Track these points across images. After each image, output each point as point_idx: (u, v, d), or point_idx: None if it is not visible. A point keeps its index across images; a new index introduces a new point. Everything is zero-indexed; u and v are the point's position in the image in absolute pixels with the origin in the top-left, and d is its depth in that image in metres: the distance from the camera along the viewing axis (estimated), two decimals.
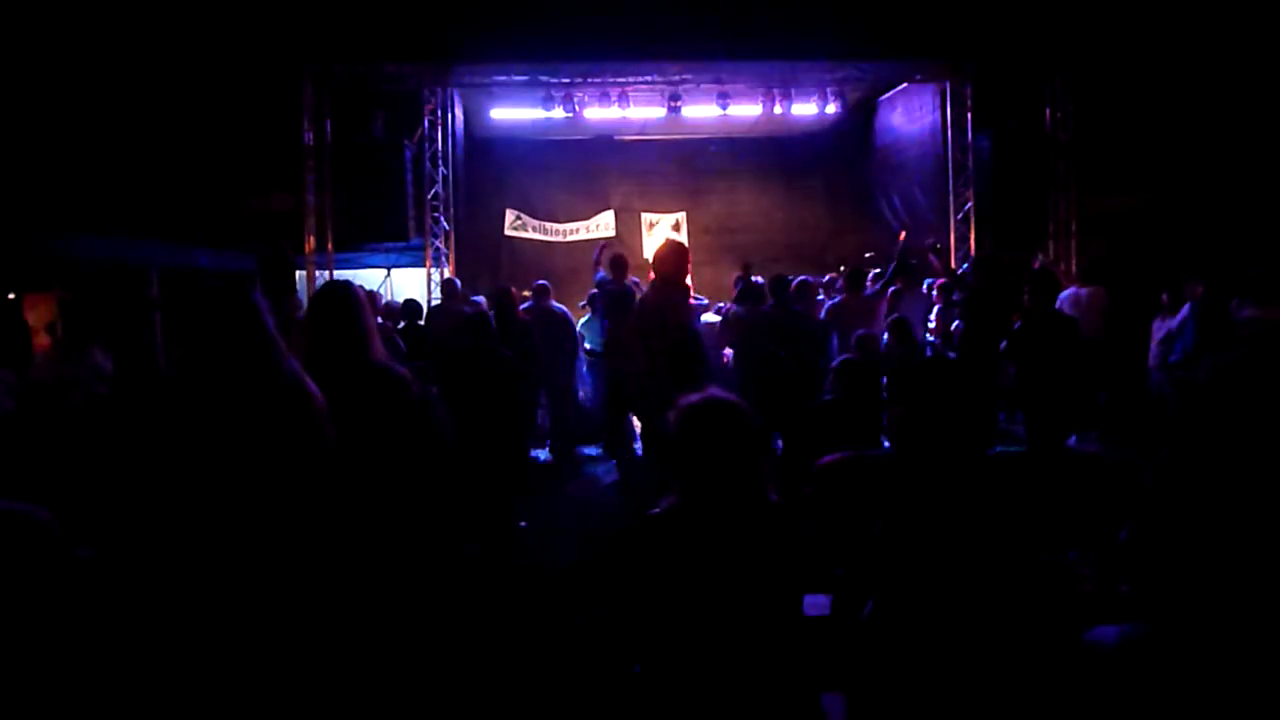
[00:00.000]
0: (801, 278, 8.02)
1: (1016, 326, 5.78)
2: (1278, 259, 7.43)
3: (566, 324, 8.47)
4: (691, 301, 6.54)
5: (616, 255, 8.57)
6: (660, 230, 13.74)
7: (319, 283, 10.94)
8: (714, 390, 2.31)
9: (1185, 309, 7.64)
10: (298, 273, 10.73)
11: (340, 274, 11.15)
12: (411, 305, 8.69)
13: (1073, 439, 6.98)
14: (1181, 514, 2.35)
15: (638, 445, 7.82)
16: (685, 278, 5.55)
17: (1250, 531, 2.33)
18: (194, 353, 2.91)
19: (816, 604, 2.56)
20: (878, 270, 8.95)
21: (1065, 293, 8.18)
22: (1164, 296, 8.16)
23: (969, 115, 11.64)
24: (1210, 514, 2.37)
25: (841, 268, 11.85)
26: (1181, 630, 2.26)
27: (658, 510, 2.29)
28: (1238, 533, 2.36)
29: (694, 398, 2.30)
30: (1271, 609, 2.26)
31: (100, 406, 5.75)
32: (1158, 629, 2.25)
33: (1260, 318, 5.55)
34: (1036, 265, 9.23)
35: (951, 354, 7.56)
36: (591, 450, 8.75)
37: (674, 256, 5.41)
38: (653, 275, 5.48)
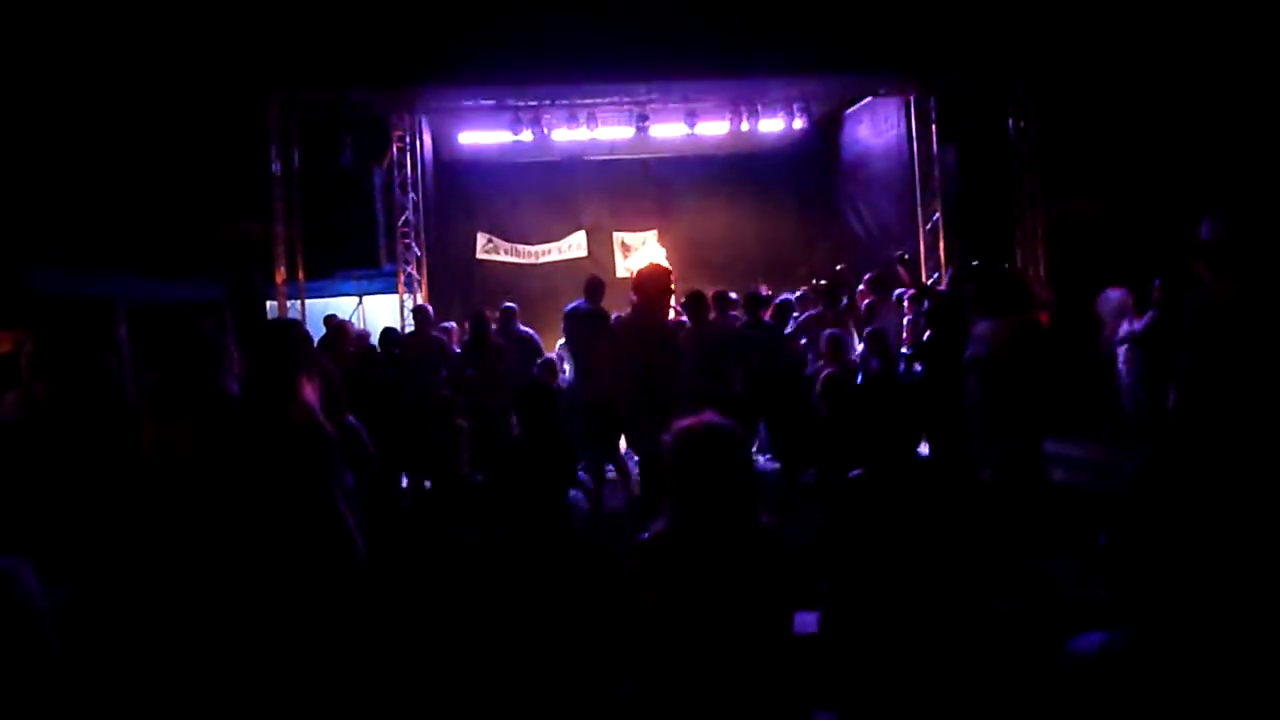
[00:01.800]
0: (784, 297, 8.08)
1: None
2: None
3: (533, 346, 8.46)
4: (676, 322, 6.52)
5: (592, 278, 8.57)
6: (641, 252, 13.75)
7: (290, 312, 10.85)
8: (708, 415, 2.32)
9: (1150, 314, 7.76)
10: (269, 302, 10.66)
11: (312, 302, 11.08)
12: (389, 334, 8.64)
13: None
14: (1159, 518, 2.37)
15: (609, 468, 7.83)
16: (668, 301, 5.45)
17: (1231, 535, 2.35)
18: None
19: (805, 622, 2.56)
20: (871, 275, 9.07)
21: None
22: (1129, 298, 8.31)
23: (934, 127, 11.79)
24: (1189, 517, 2.38)
25: (814, 280, 11.95)
26: (1162, 637, 2.26)
27: (648, 535, 2.28)
28: (1217, 537, 2.37)
29: (687, 422, 2.30)
30: (1253, 614, 2.27)
31: (68, 441, 5.64)
32: (1138, 636, 2.25)
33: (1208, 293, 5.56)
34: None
35: (919, 366, 7.61)
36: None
37: (655, 280, 5.31)
38: (634, 298, 5.40)
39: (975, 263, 10.14)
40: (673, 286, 5.62)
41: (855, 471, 2.58)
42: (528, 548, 4.37)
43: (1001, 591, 2.55)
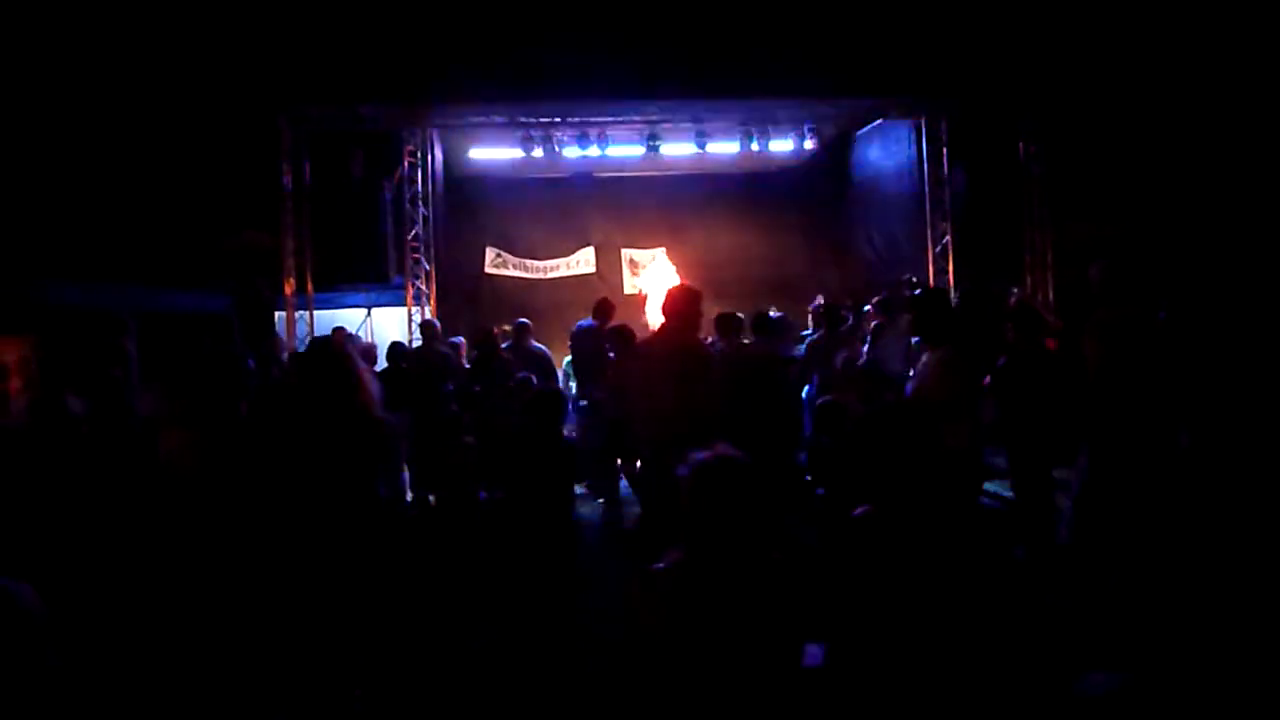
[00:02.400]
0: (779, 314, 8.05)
1: (1001, 363, 5.79)
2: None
3: (546, 363, 8.44)
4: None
5: (601, 299, 8.58)
6: (650, 269, 13.77)
7: (299, 323, 10.88)
8: (724, 447, 2.31)
9: None
10: (277, 313, 10.70)
11: (320, 314, 11.10)
12: (396, 348, 8.63)
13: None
14: (1166, 562, 2.35)
15: (623, 484, 7.80)
16: (698, 322, 5.27)
17: (1236, 575, 2.33)
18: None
19: (811, 654, 2.53)
20: (879, 298, 9.01)
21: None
22: None
23: (944, 150, 11.80)
24: (1195, 562, 2.36)
25: (816, 302, 11.93)
26: (1170, 680, 2.24)
27: (662, 565, 2.27)
28: (1221, 579, 2.35)
29: (704, 455, 2.30)
30: (1257, 650, 2.25)
31: (73, 451, 5.66)
32: (1146, 678, 2.23)
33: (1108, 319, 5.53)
34: (1013, 300, 9.29)
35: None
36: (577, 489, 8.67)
37: (686, 300, 5.14)
38: (664, 319, 5.26)
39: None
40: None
41: (860, 509, 2.56)
42: (529, 548, 4.41)
43: (1010, 629, 2.52)
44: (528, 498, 4.50)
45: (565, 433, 8.99)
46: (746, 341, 7.55)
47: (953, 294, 11.62)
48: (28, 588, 1.91)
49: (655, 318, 10.80)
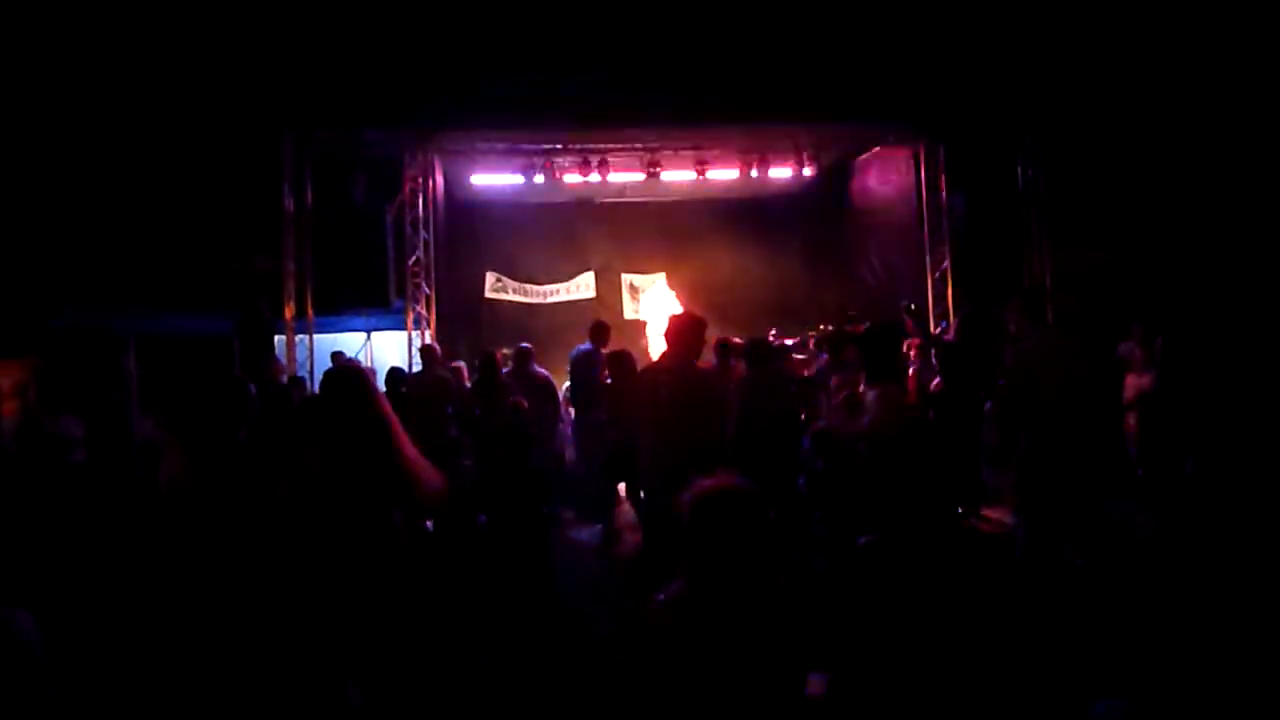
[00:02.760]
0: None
1: (1000, 384, 5.79)
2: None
3: (548, 388, 8.43)
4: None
5: (597, 322, 8.60)
6: (650, 294, 13.81)
7: (299, 346, 10.88)
8: (726, 475, 2.28)
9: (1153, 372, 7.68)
10: (277, 336, 10.70)
11: (320, 338, 11.10)
12: (396, 373, 8.63)
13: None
14: (1177, 591, 2.33)
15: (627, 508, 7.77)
16: (701, 350, 5.26)
17: (1241, 607, 2.31)
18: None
19: (812, 683, 2.51)
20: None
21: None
22: (1138, 352, 8.23)
23: (943, 175, 11.86)
24: (1206, 590, 2.35)
25: (820, 327, 11.95)
26: (1176, 707, 2.23)
27: (664, 595, 2.25)
28: (1228, 608, 2.33)
29: (707, 483, 2.27)
30: (1267, 681, 2.24)
31: (72, 475, 5.64)
32: (1152, 705, 2.22)
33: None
34: (1013, 327, 9.29)
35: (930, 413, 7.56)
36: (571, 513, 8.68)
37: (689, 327, 5.13)
38: (667, 345, 5.24)
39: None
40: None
41: (865, 538, 2.55)
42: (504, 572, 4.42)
43: (1016, 655, 2.50)
44: (502, 523, 4.54)
45: (566, 455, 9.06)
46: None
47: (952, 318, 11.64)
48: (25, 614, 1.89)
49: (656, 344, 10.83)
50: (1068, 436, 4.80)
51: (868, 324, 7.88)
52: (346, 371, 4.23)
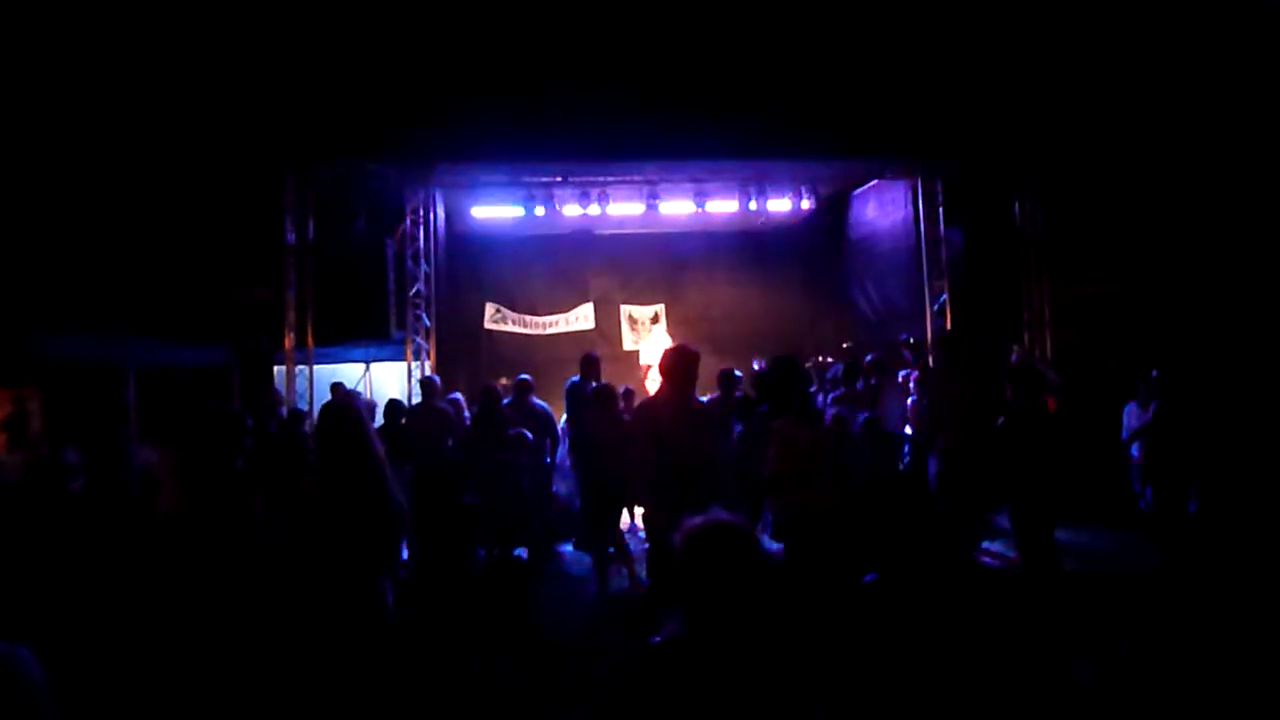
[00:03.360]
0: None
1: (1000, 422, 5.79)
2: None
3: (547, 420, 8.42)
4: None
5: (586, 355, 8.61)
6: (648, 325, 13.83)
7: (299, 378, 10.88)
8: (717, 512, 2.26)
9: (1153, 406, 7.70)
10: (277, 367, 10.70)
11: (320, 369, 11.11)
12: (395, 406, 8.62)
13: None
14: (1182, 631, 2.32)
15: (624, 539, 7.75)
16: (694, 384, 5.23)
17: (1249, 648, 2.30)
18: None
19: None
20: (874, 358, 9.05)
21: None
22: (1140, 385, 8.27)
23: (940, 209, 11.94)
24: (1210, 629, 2.34)
25: (819, 358, 11.96)
26: None
27: (662, 638, 2.23)
28: (1237, 648, 2.33)
29: (697, 521, 2.25)
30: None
31: (71, 504, 5.63)
32: None
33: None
34: (1015, 358, 9.32)
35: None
36: (567, 548, 8.65)
37: (684, 362, 5.11)
38: (662, 380, 5.24)
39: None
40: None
41: (870, 576, 2.54)
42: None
43: (1022, 694, 2.49)
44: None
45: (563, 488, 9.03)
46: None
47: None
48: (25, 650, 1.88)
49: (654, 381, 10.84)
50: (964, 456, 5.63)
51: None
52: (340, 403, 4.31)
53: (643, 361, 13.23)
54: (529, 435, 7.72)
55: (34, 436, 7.29)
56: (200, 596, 3.50)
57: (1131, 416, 8.39)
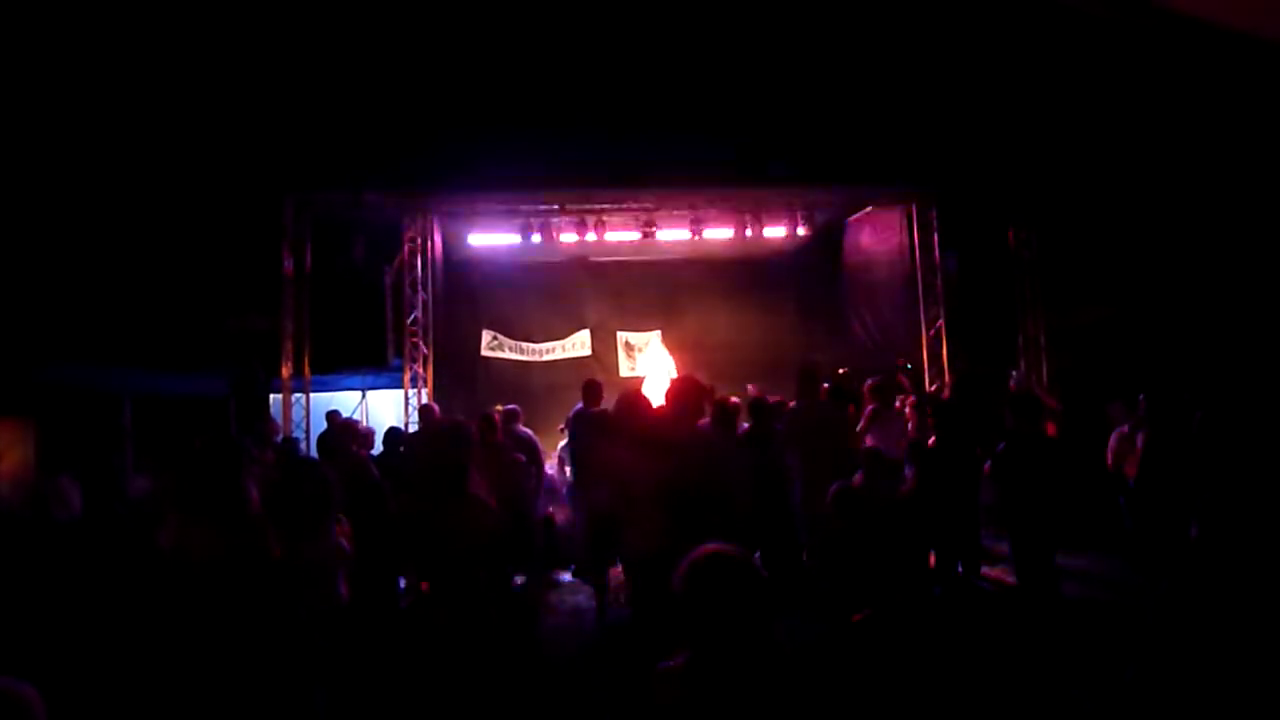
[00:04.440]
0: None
1: (1001, 448, 5.80)
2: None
3: (533, 448, 8.43)
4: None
5: (589, 381, 8.61)
6: (646, 352, 13.84)
7: (295, 405, 10.87)
8: (717, 544, 2.26)
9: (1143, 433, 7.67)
10: (273, 395, 10.69)
11: (316, 397, 11.10)
12: (394, 433, 8.62)
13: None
14: (1187, 655, 2.32)
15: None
16: (701, 413, 5.20)
17: (1252, 673, 2.30)
18: None
19: None
20: (873, 383, 9.02)
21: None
22: (1137, 409, 8.26)
23: (935, 235, 12.01)
24: (1215, 655, 2.34)
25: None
26: None
27: (666, 665, 2.22)
28: (1243, 673, 2.32)
29: (699, 553, 2.25)
30: None
31: (65, 535, 5.60)
32: None
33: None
34: (1013, 385, 9.34)
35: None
36: (565, 576, 8.60)
37: (693, 392, 5.04)
38: (667, 407, 5.19)
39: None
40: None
41: (860, 614, 2.53)
42: None
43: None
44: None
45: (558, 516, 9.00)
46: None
47: (947, 377, 11.71)
48: (29, 688, 1.87)
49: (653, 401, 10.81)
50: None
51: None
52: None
53: (639, 373, 13.25)
54: (521, 459, 7.74)
55: (14, 468, 7.25)
56: (206, 629, 3.47)
57: (1121, 442, 8.37)
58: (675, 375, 8.81)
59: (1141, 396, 7.81)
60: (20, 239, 9.69)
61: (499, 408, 9.82)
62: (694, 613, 2.17)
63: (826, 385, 8.37)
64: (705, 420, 6.90)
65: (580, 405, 8.51)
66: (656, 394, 10.37)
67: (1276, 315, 9.80)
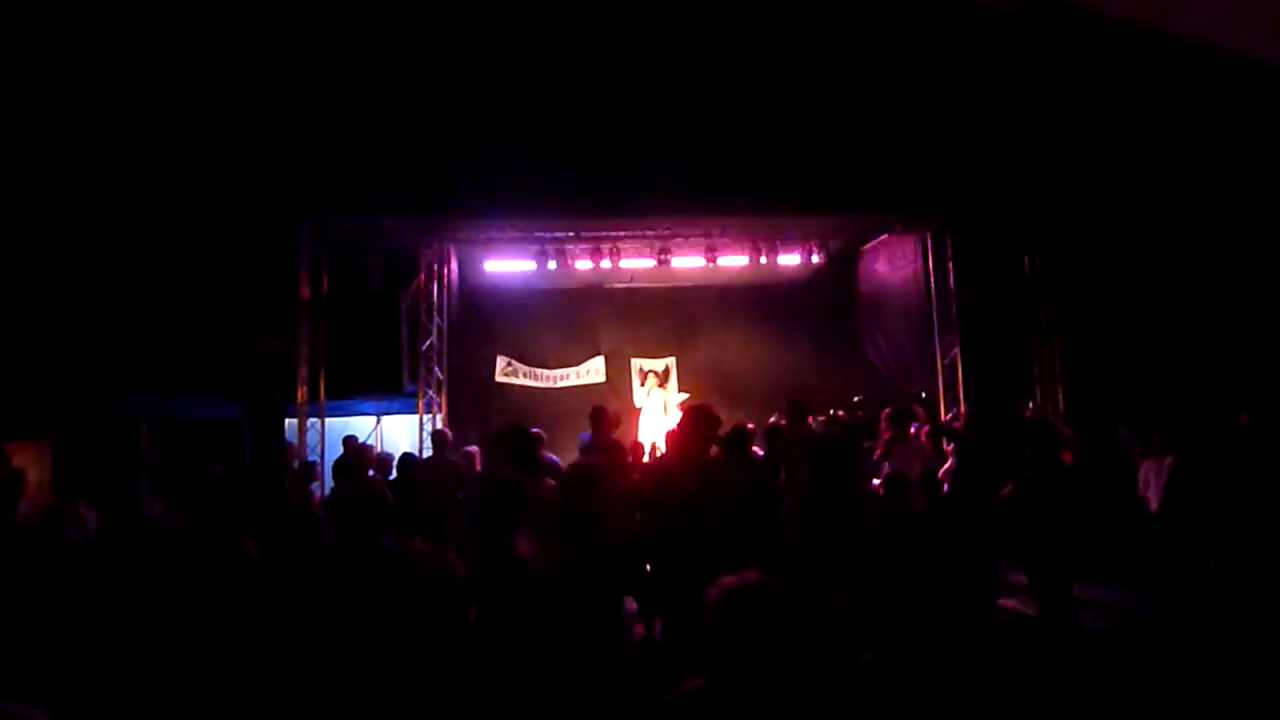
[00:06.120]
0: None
1: (1018, 477, 5.74)
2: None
3: (557, 473, 8.36)
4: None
5: (595, 409, 8.59)
6: (658, 382, 13.82)
7: (310, 430, 10.90)
8: (751, 573, 2.25)
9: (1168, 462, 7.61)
10: (289, 420, 10.73)
11: (332, 422, 11.13)
12: (407, 459, 8.61)
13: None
14: (1207, 690, 2.28)
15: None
16: (710, 445, 5.13)
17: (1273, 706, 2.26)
18: None
19: None
20: (890, 410, 8.97)
21: None
22: (1155, 438, 8.20)
23: (950, 263, 11.99)
24: (1234, 688, 2.30)
25: (831, 412, 11.92)
26: None
27: (681, 693, 2.20)
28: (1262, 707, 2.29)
29: (730, 581, 2.24)
30: None
31: (75, 557, 5.62)
32: None
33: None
34: (1029, 414, 9.28)
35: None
36: None
37: (706, 422, 4.99)
38: (680, 438, 5.15)
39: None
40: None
41: (866, 655, 2.51)
42: None
43: None
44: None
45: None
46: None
47: (962, 406, 11.64)
48: (41, 713, 1.87)
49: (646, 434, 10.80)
50: None
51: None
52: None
53: (642, 421, 13.19)
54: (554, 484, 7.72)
55: (31, 490, 7.28)
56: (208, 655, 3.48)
57: (1149, 473, 8.31)
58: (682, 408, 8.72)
59: (1155, 437, 7.76)
60: (38, 263, 9.81)
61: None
62: (720, 640, 2.16)
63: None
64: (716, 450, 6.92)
65: (589, 433, 8.48)
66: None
67: None
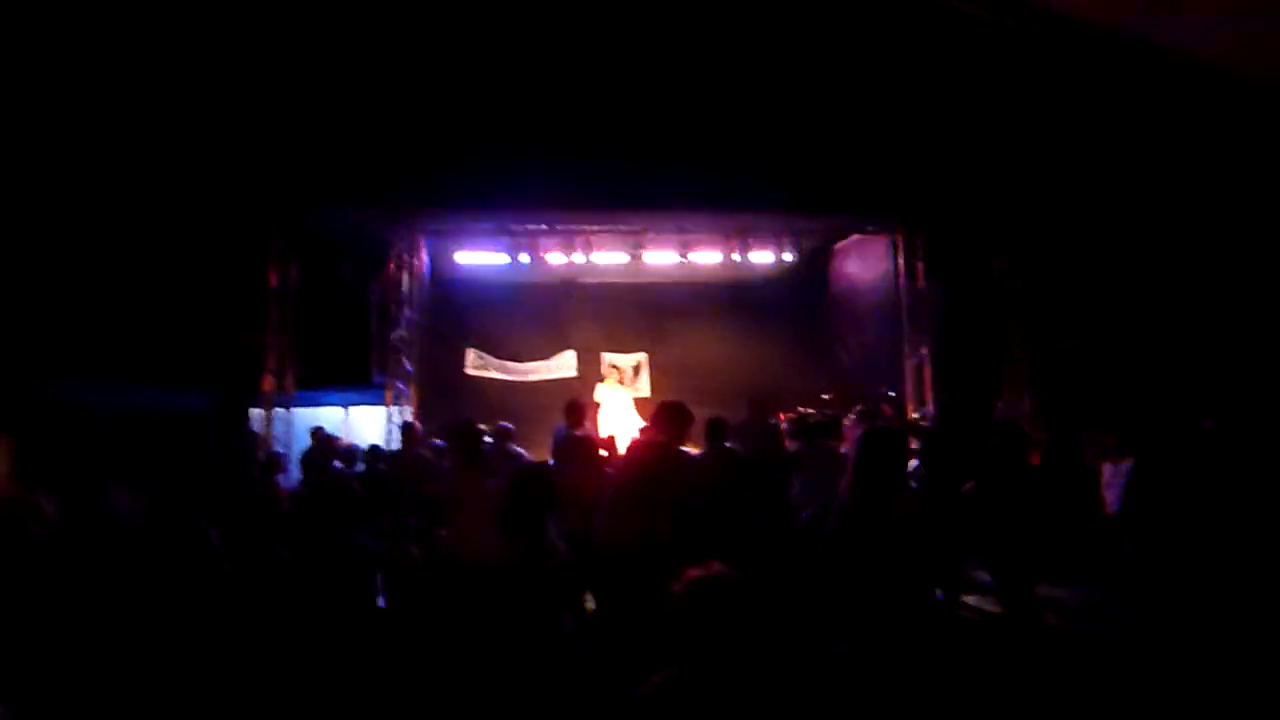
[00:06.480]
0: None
1: (982, 476, 5.80)
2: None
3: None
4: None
5: (571, 401, 8.57)
6: (630, 374, 13.79)
7: (276, 420, 10.78)
8: (716, 564, 2.27)
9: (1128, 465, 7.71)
10: (258, 411, 10.61)
11: (299, 412, 11.02)
12: (375, 451, 8.55)
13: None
14: (1171, 686, 2.32)
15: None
16: (683, 441, 5.19)
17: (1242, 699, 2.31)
18: None
19: None
20: (859, 409, 9.03)
21: None
22: (1111, 440, 8.31)
23: (920, 263, 12.09)
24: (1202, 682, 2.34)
25: (800, 410, 11.97)
26: None
27: (650, 685, 2.20)
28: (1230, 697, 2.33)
29: (698, 572, 2.25)
30: None
31: (34, 550, 5.51)
32: None
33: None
34: (996, 414, 9.38)
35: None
36: None
37: (679, 418, 5.07)
38: (653, 434, 5.17)
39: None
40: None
41: (837, 647, 2.53)
42: None
43: None
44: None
45: None
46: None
47: (930, 405, 11.74)
48: (2, 708, 1.84)
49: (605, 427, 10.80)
50: None
51: None
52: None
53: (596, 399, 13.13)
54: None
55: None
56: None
57: (1111, 475, 8.41)
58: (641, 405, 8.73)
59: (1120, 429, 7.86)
60: (1, 253, 9.62)
61: (484, 427, 9.77)
62: (688, 631, 2.17)
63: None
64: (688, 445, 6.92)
65: (562, 425, 8.47)
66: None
67: (1260, 344, 9.87)
